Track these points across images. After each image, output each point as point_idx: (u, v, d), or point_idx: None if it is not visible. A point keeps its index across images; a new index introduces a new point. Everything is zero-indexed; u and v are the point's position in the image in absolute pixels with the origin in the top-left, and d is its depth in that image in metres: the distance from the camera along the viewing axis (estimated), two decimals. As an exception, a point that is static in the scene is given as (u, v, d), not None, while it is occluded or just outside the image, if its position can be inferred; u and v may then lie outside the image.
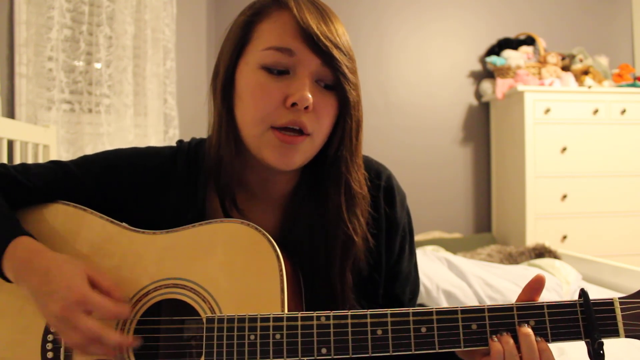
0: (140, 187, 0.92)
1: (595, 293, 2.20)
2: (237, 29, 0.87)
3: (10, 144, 1.74)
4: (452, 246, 3.26)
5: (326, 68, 0.82)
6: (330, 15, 0.85)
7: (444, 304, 1.97)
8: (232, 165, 0.88)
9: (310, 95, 0.80)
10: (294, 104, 0.80)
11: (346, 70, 0.83)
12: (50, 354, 0.82)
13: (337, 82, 0.84)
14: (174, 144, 1.00)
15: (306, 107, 0.81)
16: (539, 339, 0.72)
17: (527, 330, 0.72)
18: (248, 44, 0.85)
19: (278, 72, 0.82)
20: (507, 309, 0.74)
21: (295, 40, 0.81)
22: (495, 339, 0.73)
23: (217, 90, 0.89)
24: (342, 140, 0.87)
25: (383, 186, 0.98)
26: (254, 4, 0.88)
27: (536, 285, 0.76)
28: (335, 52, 0.82)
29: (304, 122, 0.82)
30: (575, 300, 0.74)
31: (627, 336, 0.72)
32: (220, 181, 0.89)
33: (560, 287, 2.13)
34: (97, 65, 2.33)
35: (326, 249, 0.89)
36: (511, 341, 0.72)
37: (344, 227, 0.88)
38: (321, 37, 0.81)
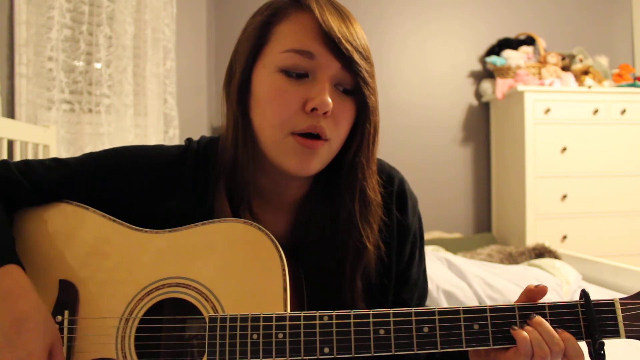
0: (146, 187, 0.90)
1: (596, 293, 2.20)
2: (254, 29, 0.84)
3: (10, 144, 1.74)
4: (452, 246, 3.26)
5: (346, 72, 0.81)
6: (349, 17, 0.84)
7: (444, 304, 1.97)
8: (248, 169, 0.86)
9: (330, 100, 0.79)
10: (313, 109, 0.79)
11: (366, 75, 0.82)
12: None
13: (356, 86, 0.82)
14: (174, 143, 0.98)
15: (325, 112, 0.79)
16: (559, 329, 0.72)
17: (538, 319, 0.73)
18: (265, 45, 0.83)
19: (297, 75, 0.80)
20: (509, 309, 0.74)
21: (316, 42, 0.79)
22: (517, 328, 0.73)
23: (232, 92, 0.86)
24: (360, 145, 0.86)
25: (395, 192, 0.96)
26: (271, 4, 0.85)
27: (537, 295, 0.76)
28: (356, 57, 0.80)
29: (322, 127, 0.80)
30: (577, 301, 0.74)
31: (627, 337, 0.73)
32: (234, 184, 0.87)
33: (560, 287, 2.13)
34: (97, 65, 2.32)
35: (337, 256, 0.88)
36: (532, 328, 0.72)
37: (357, 235, 0.87)
38: (343, 41, 0.79)
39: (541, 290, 0.75)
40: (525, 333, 0.72)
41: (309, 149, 0.81)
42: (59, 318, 0.83)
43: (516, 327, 0.73)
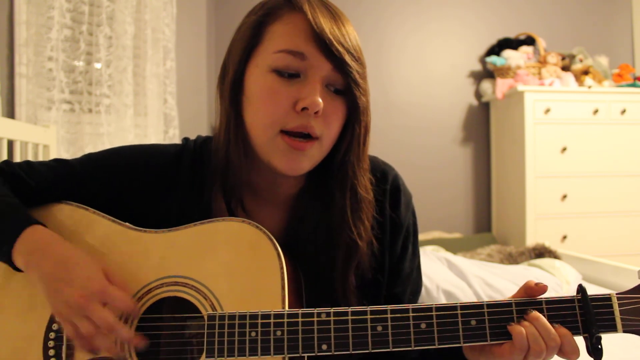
0: (145, 186, 0.91)
1: (596, 293, 2.20)
2: (248, 29, 0.86)
3: (10, 144, 1.74)
4: (452, 246, 3.26)
5: (337, 73, 0.82)
6: (342, 18, 0.85)
7: (444, 303, 1.97)
8: (240, 167, 0.87)
9: (320, 100, 0.80)
10: (304, 109, 0.80)
11: (357, 76, 0.83)
12: (52, 352, 0.82)
13: (347, 87, 0.83)
14: (174, 143, 0.99)
15: (316, 112, 0.80)
16: (556, 325, 0.73)
17: (535, 314, 0.74)
18: (258, 45, 0.84)
19: (289, 75, 0.81)
20: (506, 304, 0.75)
21: (308, 44, 0.80)
22: (513, 324, 0.74)
23: (225, 91, 0.88)
24: (350, 145, 0.87)
25: (389, 188, 0.97)
26: (265, 4, 0.86)
27: (536, 293, 0.77)
28: (347, 58, 0.81)
29: (313, 126, 0.81)
30: (574, 296, 0.75)
31: (624, 331, 0.73)
32: (227, 182, 0.89)
33: (561, 287, 2.14)
34: (97, 65, 2.33)
35: (329, 252, 0.89)
36: (529, 323, 0.73)
37: (348, 231, 0.88)
38: (334, 42, 0.80)
39: (541, 289, 0.76)
40: (521, 328, 0.73)
41: (297, 150, 0.82)
42: None
43: (513, 323, 0.74)
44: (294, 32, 0.81)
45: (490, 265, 2.33)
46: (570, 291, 2.17)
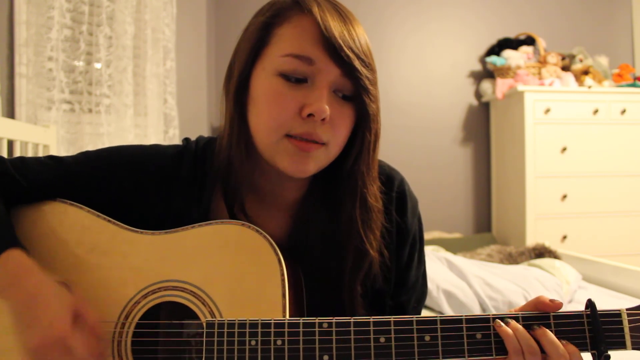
0: (143, 186, 0.89)
1: (596, 293, 2.21)
2: (255, 30, 0.83)
3: (10, 144, 1.74)
4: (452, 246, 3.26)
5: (346, 79, 0.79)
6: (352, 21, 0.82)
7: (444, 304, 1.97)
8: (242, 170, 0.85)
9: (327, 107, 0.77)
10: (310, 115, 0.78)
11: (366, 83, 0.80)
12: None
13: (356, 93, 0.81)
14: (174, 143, 0.97)
15: (322, 119, 0.78)
16: (564, 341, 0.71)
17: (543, 329, 0.71)
18: (266, 47, 0.81)
19: (296, 79, 0.79)
20: (512, 318, 0.73)
21: (316, 48, 0.78)
22: (502, 323, 0.72)
23: (230, 92, 0.85)
24: (360, 153, 0.85)
25: (395, 193, 0.95)
26: (273, 5, 0.84)
27: (550, 310, 0.73)
28: (357, 64, 0.79)
29: (318, 134, 0.79)
30: (582, 311, 0.73)
31: (633, 348, 0.71)
32: (228, 185, 0.87)
33: (560, 287, 2.13)
34: (97, 65, 2.32)
35: (337, 260, 0.87)
36: (520, 327, 0.71)
37: (358, 241, 0.86)
38: (344, 47, 0.78)
39: (557, 306, 0.73)
40: (507, 329, 0.71)
41: (303, 152, 0.80)
42: None
43: (501, 323, 0.72)
44: (302, 36, 0.79)
45: (490, 265, 2.33)
46: (570, 291, 2.17)
